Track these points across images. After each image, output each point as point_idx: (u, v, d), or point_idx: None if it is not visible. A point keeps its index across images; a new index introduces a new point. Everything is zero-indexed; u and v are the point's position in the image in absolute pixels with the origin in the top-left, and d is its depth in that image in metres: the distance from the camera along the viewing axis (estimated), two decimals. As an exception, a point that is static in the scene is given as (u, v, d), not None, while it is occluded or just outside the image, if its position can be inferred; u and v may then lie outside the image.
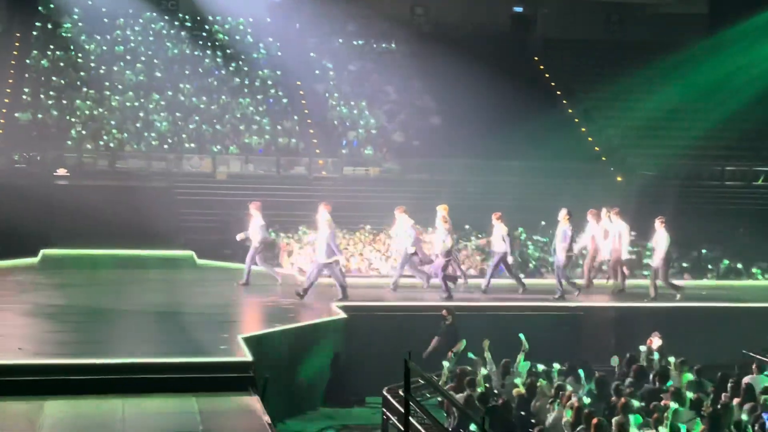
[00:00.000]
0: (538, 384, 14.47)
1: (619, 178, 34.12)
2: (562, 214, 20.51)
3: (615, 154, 35.77)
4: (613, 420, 12.23)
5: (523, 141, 32.29)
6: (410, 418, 9.71)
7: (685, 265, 25.64)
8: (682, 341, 17.63)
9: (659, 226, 20.68)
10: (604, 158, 35.70)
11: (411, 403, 9.37)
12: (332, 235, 19.21)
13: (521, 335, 16.62)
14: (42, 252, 23.53)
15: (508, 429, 12.55)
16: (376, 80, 38.18)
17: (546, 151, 32.33)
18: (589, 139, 36.65)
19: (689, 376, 15.54)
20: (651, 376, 15.46)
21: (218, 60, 37.41)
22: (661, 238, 20.55)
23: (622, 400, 13.03)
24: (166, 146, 32.75)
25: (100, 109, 33.77)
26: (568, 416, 12.76)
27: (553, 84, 39.70)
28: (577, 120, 37.75)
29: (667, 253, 20.63)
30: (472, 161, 33.06)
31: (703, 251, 27.02)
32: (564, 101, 38.86)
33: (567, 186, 30.51)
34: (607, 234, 21.34)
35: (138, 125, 33.51)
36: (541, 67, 40.61)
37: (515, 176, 32.46)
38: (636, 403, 13.05)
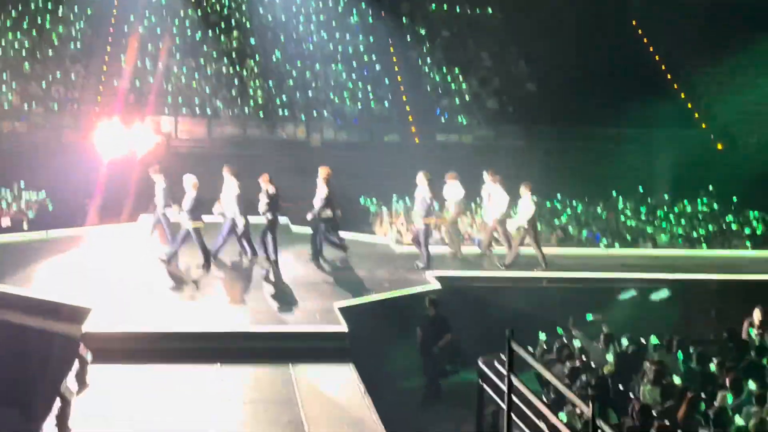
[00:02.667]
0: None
1: (719, 146, 33.25)
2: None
3: (716, 121, 34.79)
4: (719, 395, 11.96)
5: (620, 107, 31.61)
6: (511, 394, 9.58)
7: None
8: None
9: None
10: (704, 125, 34.78)
11: (513, 380, 9.24)
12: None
13: (588, 315, 16.40)
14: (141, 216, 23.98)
15: (608, 404, 12.32)
16: (470, 46, 37.77)
17: (643, 118, 31.61)
18: (689, 105, 35.72)
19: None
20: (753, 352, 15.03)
21: (312, 26, 37.47)
22: None
23: (730, 376, 12.71)
24: (261, 113, 32.99)
25: (197, 75, 34.15)
26: (657, 392, 12.54)
27: (651, 48, 38.73)
28: (676, 86, 36.78)
29: None
30: (568, 128, 32.54)
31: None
32: (663, 66, 37.88)
33: (665, 154, 29.88)
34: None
35: (233, 92, 33.81)
36: (640, 31, 39.64)
37: (611, 143, 31.91)
38: (752, 385, 12.61)
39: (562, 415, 11.06)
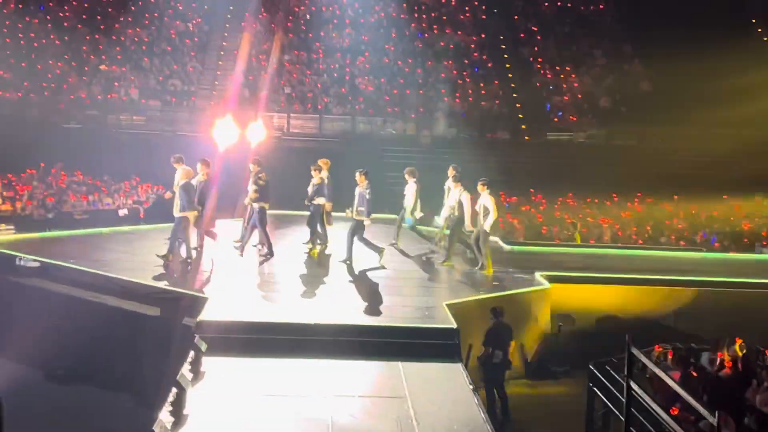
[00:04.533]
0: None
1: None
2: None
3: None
4: None
5: (738, 109, 30.75)
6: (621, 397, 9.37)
7: None
8: None
9: None
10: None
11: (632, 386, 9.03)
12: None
13: None
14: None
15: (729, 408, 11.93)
16: (584, 44, 37.24)
17: (761, 119, 30.72)
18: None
19: None
20: None
21: (423, 24, 37.47)
22: None
23: None
24: (371, 110, 33.17)
25: (308, 72, 34.49)
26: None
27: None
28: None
29: None
30: (683, 129, 31.81)
31: None
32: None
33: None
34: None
35: (344, 89, 34.05)
36: (759, 29, 38.48)
37: (727, 144, 31.08)
38: None
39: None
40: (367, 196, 17.73)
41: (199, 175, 17.99)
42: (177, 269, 17.06)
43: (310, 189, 18.46)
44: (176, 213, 17.20)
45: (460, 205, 18.21)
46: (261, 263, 18.05)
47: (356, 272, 17.83)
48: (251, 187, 18.10)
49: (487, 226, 17.74)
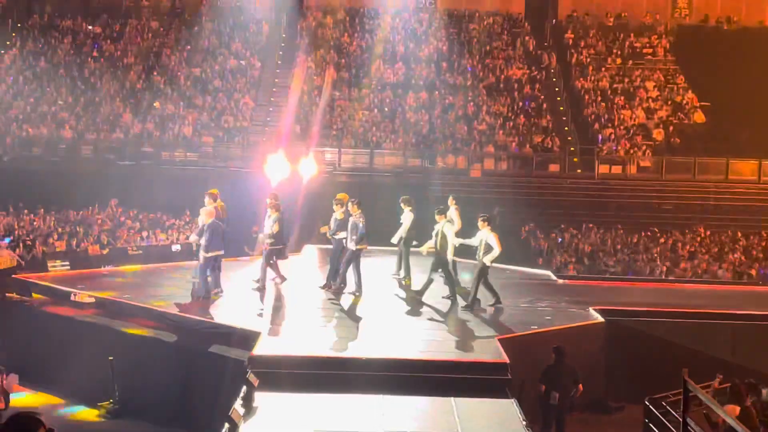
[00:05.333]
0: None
1: None
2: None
3: None
4: None
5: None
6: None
7: None
8: None
9: None
10: None
11: (689, 425, 8.84)
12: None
13: None
14: (304, 246, 24.46)
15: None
16: (636, 76, 37.03)
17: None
18: None
19: None
20: None
21: (474, 59, 37.56)
22: None
23: None
24: (422, 146, 33.26)
25: (356, 105, 34.76)
26: None
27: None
28: None
29: None
30: (739, 161, 31.45)
31: None
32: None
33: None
34: None
35: (395, 122, 34.20)
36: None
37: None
38: None
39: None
40: (361, 224, 17.72)
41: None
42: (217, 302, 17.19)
43: (332, 223, 18.50)
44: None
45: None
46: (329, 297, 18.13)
47: (403, 306, 17.78)
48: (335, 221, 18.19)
49: (488, 260, 17.39)
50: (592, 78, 36.79)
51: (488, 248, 17.25)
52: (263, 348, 14.04)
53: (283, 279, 19.06)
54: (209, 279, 17.46)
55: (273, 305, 17.54)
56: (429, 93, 35.70)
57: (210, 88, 35.63)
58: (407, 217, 19.33)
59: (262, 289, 18.26)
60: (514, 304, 18.55)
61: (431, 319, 16.84)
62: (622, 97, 35.58)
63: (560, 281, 21.71)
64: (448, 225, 17.84)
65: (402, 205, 19.40)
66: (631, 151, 33.06)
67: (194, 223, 26.59)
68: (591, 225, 29.27)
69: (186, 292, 17.76)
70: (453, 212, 19.05)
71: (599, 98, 35.61)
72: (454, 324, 16.72)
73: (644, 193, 31.31)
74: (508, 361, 14.04)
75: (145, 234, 27.65)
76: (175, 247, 26.52)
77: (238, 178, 28.53)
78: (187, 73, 36.09)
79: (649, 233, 28.68)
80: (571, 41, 38.92)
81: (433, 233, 17.85)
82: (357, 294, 18.13)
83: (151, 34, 38.29)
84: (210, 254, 17.23)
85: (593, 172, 32.53)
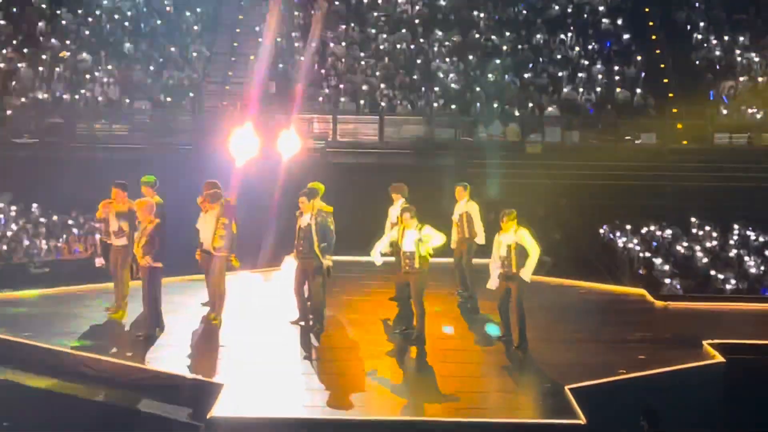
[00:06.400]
0: None
1: None
2: None
3: None
4: None
5: None
6: None
7: None
8: None
9: None
10: None
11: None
12: None
13: None
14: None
15: None
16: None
17: None
18: None
19: None
20: None
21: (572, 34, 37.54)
22: None
23: None
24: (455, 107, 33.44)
25: (362, 55, 34.96)
26: None
27: None
28: None
29: None
30: None
31: None
32: None
33: None
34: None
35: (416, 76, 34.40)
36: None
37: None
38: None
39: None
40: (332, 227, 17.96)
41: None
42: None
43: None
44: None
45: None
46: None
47: (430, 345, 17.86)
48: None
49: (527, 275, 17.18)
50: (704, 6, 36.85)
51: (522, 254, 17.10)
52: (225, 407, 14.11)
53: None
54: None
55: (237, 345, 17.60)
56: (464, 32, 35.77)
57: (145, 29, 35.76)
58: (473, 209, 19.76)
59: (219, 322, 18.34)
60: (591, 337, 18.67)
61: (462, 362, 16.92)
62: (748, 33, 35.61)
63: (659, 303, 21.76)
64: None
65: (460, 191, 19.84)
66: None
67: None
68: (703, 222, 29.23)
69: (114, 327, 17.85)
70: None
71: (712, 33, 35.64)
72: (508, 368, 16.78)
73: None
74: (584, 422, 14.14)
75: (53, 244, 27.70)
76: (99, 261, 26.56)
77: (187, 160, 28.63)
78: (111, 7, 36.17)
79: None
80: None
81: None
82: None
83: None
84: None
85: (706, 143, 32.57)
